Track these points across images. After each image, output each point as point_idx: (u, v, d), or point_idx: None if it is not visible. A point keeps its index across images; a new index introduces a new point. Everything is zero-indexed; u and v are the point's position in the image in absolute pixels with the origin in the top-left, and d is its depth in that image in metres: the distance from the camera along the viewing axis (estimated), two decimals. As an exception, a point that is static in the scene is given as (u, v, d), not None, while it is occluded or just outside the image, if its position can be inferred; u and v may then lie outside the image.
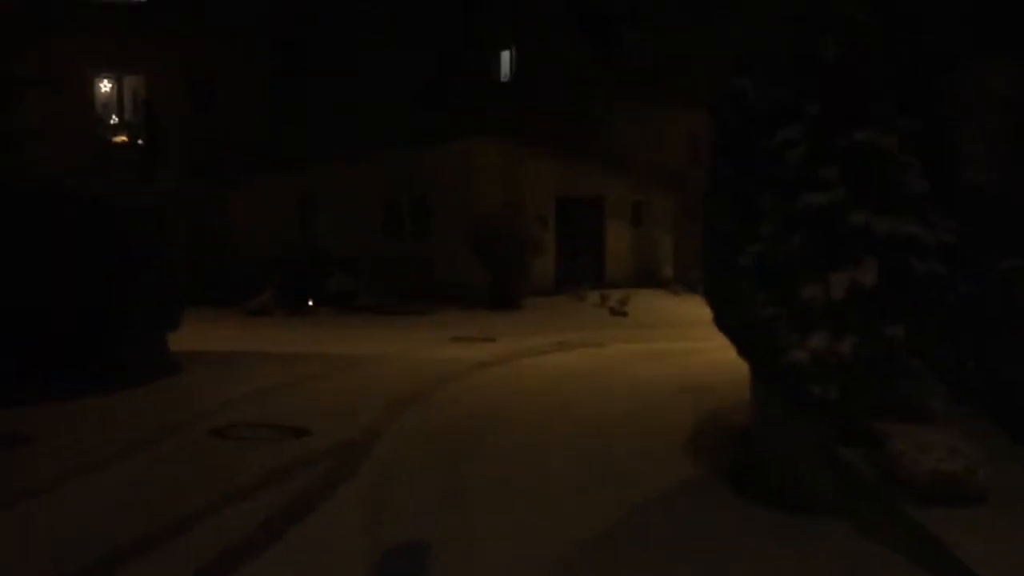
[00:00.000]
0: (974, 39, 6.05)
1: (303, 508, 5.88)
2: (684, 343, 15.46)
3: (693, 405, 9.64)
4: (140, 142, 23.20)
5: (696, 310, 21.18)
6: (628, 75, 26.75)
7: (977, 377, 5.16)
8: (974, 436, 4.34)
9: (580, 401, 9.84)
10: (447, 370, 11.55)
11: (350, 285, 19.19)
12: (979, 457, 4.33)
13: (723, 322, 7.77)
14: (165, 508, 5.84)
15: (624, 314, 18.95)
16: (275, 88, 23.86)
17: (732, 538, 5.35)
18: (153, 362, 10.57)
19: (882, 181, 5.10)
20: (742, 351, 6.27)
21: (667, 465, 6.97)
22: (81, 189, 10.07)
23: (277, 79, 23.88)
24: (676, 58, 27.63)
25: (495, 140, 20.78)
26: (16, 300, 9.08)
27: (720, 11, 29.14)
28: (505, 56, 26.71)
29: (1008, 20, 6.15)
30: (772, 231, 5.41)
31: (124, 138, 23.38)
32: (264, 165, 22.57)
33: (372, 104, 22.35)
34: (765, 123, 5.65)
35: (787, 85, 5.51)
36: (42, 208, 9.52)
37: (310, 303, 18.17)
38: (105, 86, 23.92)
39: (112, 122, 23.83)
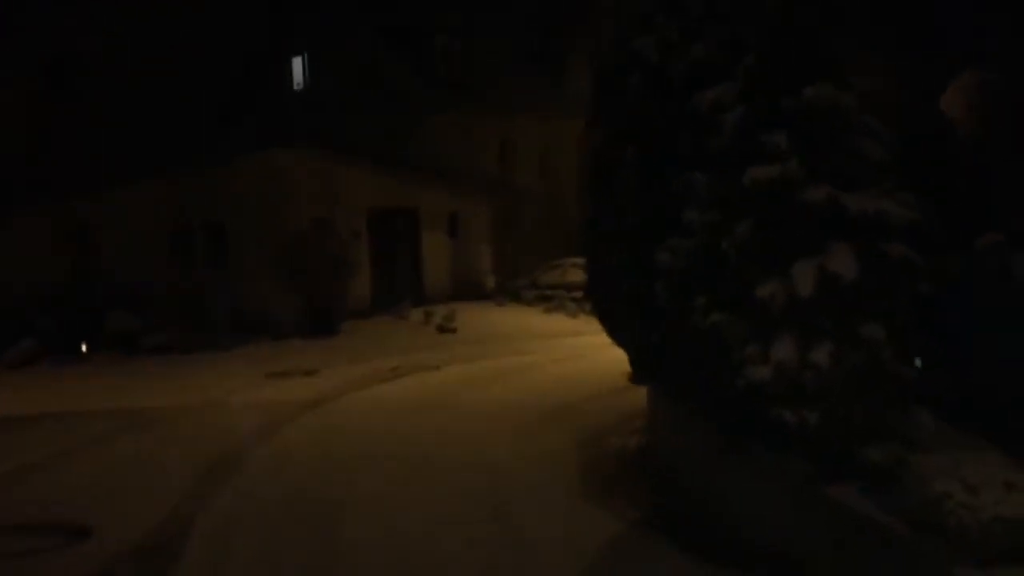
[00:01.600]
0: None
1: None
2: (521, 357, 14.38)
3: (565, 433, 8.45)
4: None
5: (523, 320, 20.53)
6: (438, 83, 25.60)
7: (945, 382, 4.28)
8: (1008, 462, 3.40)
9: (436, 441, 8.33)
10: (267, 419, 9.63)
11: (131, 323, 16.43)
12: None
13: (628, 341, 6.63)
14: None
15: (452, 331, 17.63)
16: (41, 110, 20.35)
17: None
18: None
19: (838, 148, 4.10)
20: (660, 374, 5.10)
21: (577, 519, 5.59)
22: None
23: (43, 101, 20.38)
24: (487, 66, 26.92)
25: (301, 150, 18.77)
26: None
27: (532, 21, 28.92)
28: (297, 63, 24.71)
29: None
30: (707, 219, 4.27)
31: None
32: (26, 195, 19.10)
33: (158, 120, 19.60)
34: (682, 87, 4.51)
35: (709, 38, 4.41)
36: None
37: (83, 348, 15.27)
38: None
39: None
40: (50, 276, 18.71)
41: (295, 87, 25.35)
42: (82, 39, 20.28)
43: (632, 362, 6.72)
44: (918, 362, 4.32)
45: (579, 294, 21.78)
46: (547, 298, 21.70)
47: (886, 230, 3.99)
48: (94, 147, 18.76)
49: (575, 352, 14.92)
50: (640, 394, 10.56)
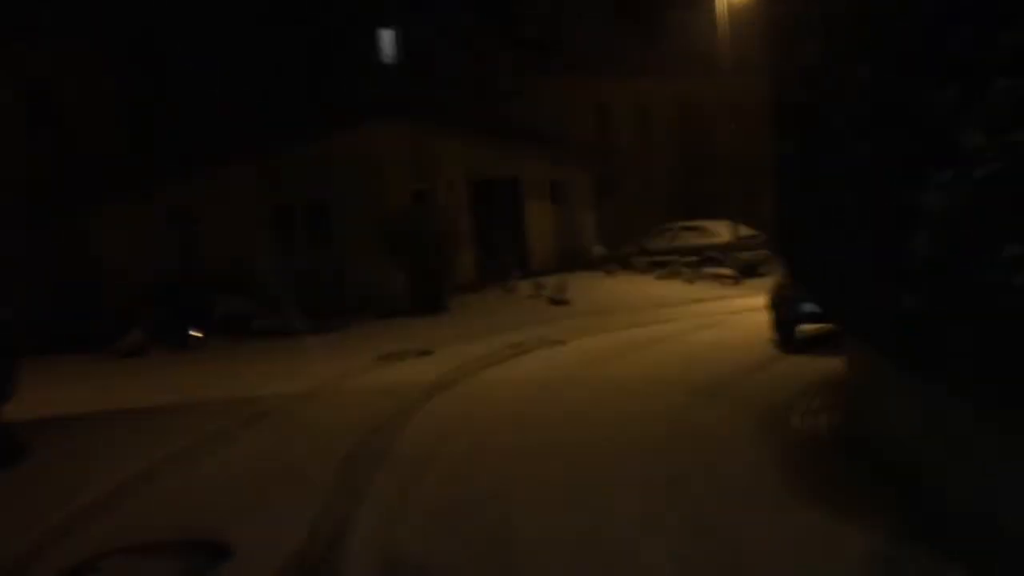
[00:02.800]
0: None
1: None
2: (647, 328, 13.31)
3: (731, 411, 7.43)
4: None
5: (638, 289, 19.39)
6: (530, 46, 24.54)
7: None
8: None
9: (589, 427, 7.42)
10: (393, 403, 8.90)
11: (243, 307, 16.12)
12: None
13: (850, 305, 5.34)
14: None
15: (566, 302, 16.70)
16: (132, 99, 20.26)
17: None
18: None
19: None
20: (916, 348, 3.98)
21: (808, 531, 4.48)
22: None
23: (133, 89, 20.28)
24: (577, 26, 25.65)
25: (399, 123, 18.06)
26: None
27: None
28: (387, 35, 24.07)
29: None
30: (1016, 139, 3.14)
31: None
32: (128, 182, 19.04)
33: (246, 101, 19.25)
34: None
35: None
36: None
37: (195, 334, 15.00)
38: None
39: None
40: (158, 263, 18.66)
41: (384, 60, 24.75)
42: (161, 25, 20.03)
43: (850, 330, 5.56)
44: None
45: (693, 259, 20.56)
46: (659, 264, 20.52)
47: None
48: (189, 132, 18.52)
49: (705, 321, 13.78)
50: (796, 365, 9.50)
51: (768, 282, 19.20)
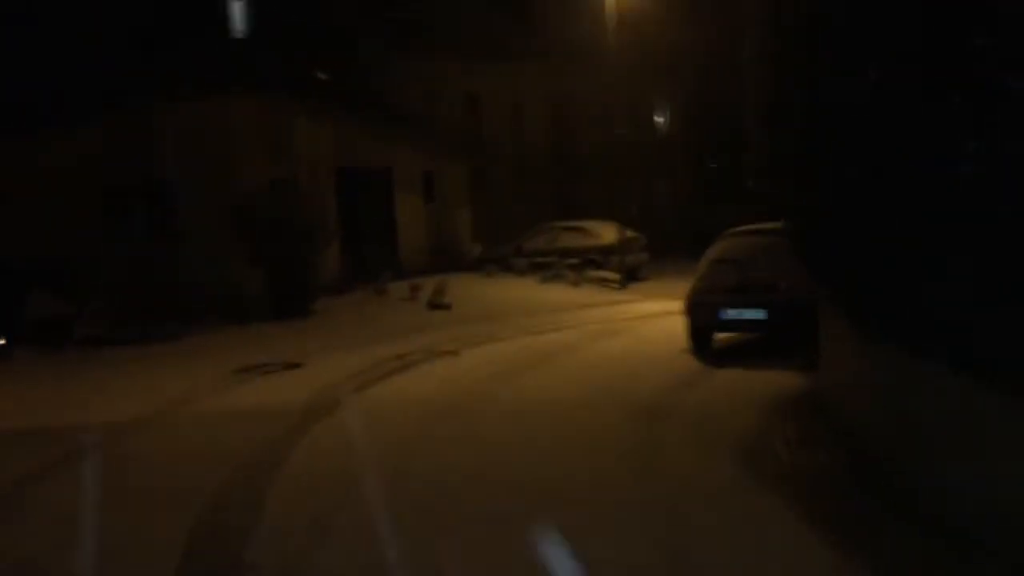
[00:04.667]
0: None
1: None
2: (544, 336, 11.96)
3: (692, 447, 6.09)
4: None
5: (522, 292, 17.88)
6: (392, 23, 22.69)
7: None
8: None
9: (527, 454, 5.88)
10: (256, 438, 7.00)
11: (61, 308, 13.42)
12: None
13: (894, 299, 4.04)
14: None
15: (447, 307, 15.08)
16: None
17: None
18: None
19: None
20: None
21: None
22: None
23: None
24: (451, 8, 24.02)
25: (254, 95, 15.83)
26: None
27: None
28: (237, 5, 21.66)
29: None
30: None
31: None
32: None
33: (74, 58, 16.37)
34: None
35: None
36: None
37: (0, 341, 12.24)
38: None
39: None
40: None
41: (234, 34, 22.30)
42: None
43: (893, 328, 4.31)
44: None
45: (575, 261, 19.48)
46: (540, 266, 19.27)
47: None
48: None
49: (603, 328, 12.57)
50: (731, 380, 8.35)
51: (650, 287, 18.62)
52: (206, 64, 16.59)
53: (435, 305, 15.09)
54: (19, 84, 15.93)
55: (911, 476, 4.48)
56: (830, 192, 4.49)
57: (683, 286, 17.18)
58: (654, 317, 13.51)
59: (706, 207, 29.67)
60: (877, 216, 3.95)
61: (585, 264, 19.18)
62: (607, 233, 19.98)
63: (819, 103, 4.33)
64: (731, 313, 9.74)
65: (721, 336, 10.45)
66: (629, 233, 19.39)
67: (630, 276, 18.71)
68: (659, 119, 32.19)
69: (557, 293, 17.05)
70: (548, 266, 18.93)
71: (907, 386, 4.42)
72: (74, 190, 15.76)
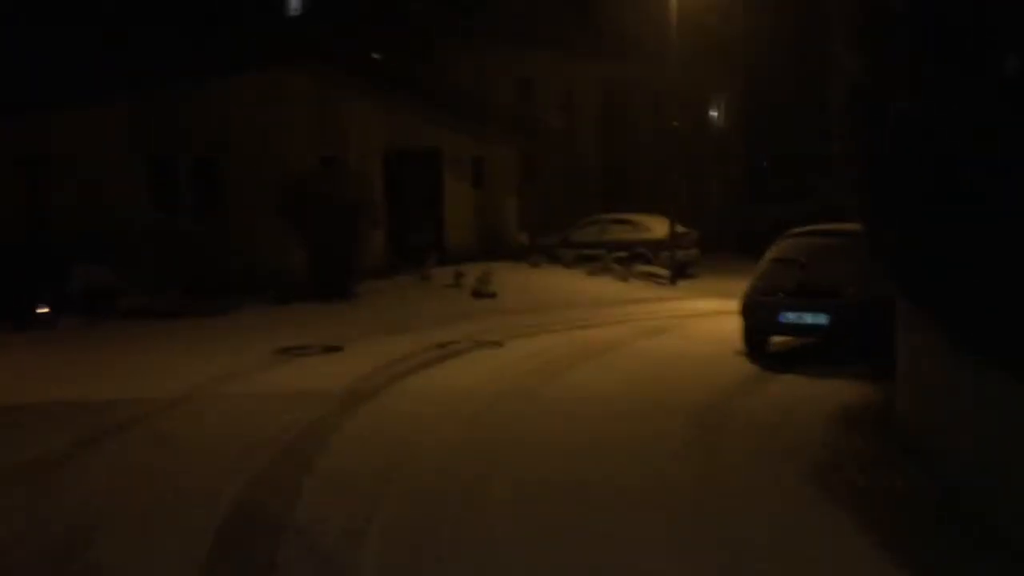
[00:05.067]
0: None
1: None
2: (593, 331, 11.55)
3: (767, 461, 5.69)
4: None
5: (569, 284, 17.46)
6: (450, 5, 22.36)
7: None
8: None
9: (584, 452, 5.54)
10: (296, 422, 6.77)
11: (106, 279, 13.39)
12: None
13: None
14: None
15: (491, 295, 14.77)
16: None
17: None
18: None
19: None
20: None
21: None
22: None
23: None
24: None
25: (310, 69, 15.60)
26: None
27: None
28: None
29: None
30: None
31: None
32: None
33: (123, 28, 16.35)
34: None
35: None
36: None
37: (42, 311, 12.21)
38: None
39: None
40: (3, 217, 15.66)
41: (290, 12, 22.21)
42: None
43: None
44: None
45: (623, 254, 19.01)
46: (588, 258, 18.81)
47: None
48: (49, 59, 15.53)
49: (652, 325, 12.14)
50: (792, 386, 7.85)
51: (700, 285, 18.06)
52: (260, 39, 16.45)
53: (480, 293, 14.78)
54: (75, 58, 15.96)
55: (998, 511, 4.04)
56: (941, 191, 4.02)
57: (735, 285, 16.70)
58: (705, 316, 13.06)
59: (757, 205, 28.95)
60: (991, 221, 3.50)
61: (634, 258, 18.72)
62: (657, 227, 19.48)
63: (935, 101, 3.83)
64: (791, 316, 9.27)
65: (777, 340, 10.00)
66: (680, 228, 18.86)
67: (679, 272, 18.20)
68: (713, 113, 31.46)
69: (604, 286, 16.63)
70: (596, 259, 18.49)
71: (1004, 407, 3.98)
72: (119, 165, 15.73)
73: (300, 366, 9.33)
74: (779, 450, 5.78)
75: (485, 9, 22.72)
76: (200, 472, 5.61)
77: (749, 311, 9.70)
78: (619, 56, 25.84)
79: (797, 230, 10.35)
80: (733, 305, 13.53)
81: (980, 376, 4.15)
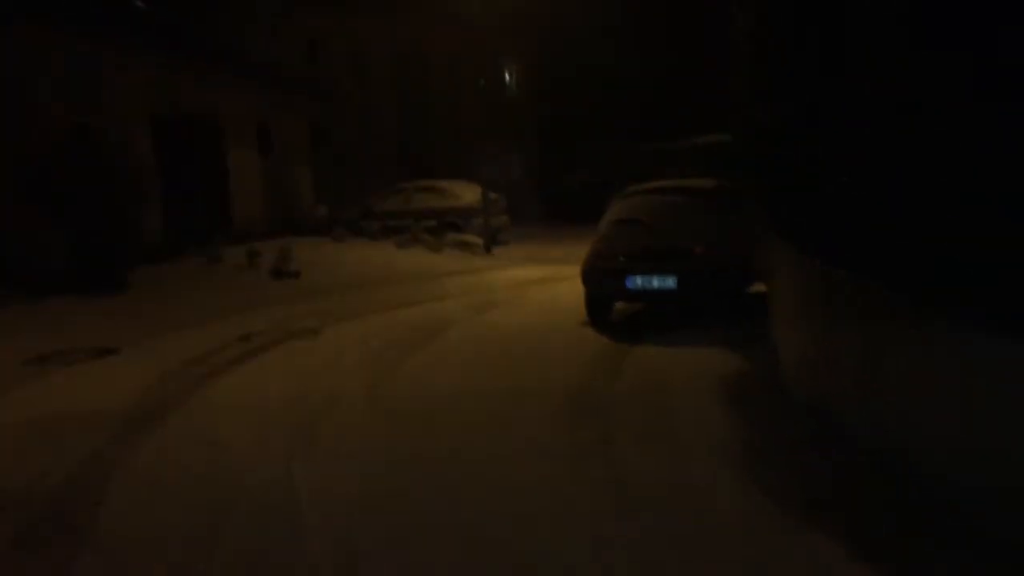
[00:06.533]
0: None
1: None
2: (417, 308, 10.34)
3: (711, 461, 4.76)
4: None
5: (378, 258, 15.83)
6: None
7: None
8: None
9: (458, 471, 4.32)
10: (66, 456, 5.03)
11: None
12: None
13: None
14: None
15: (295, 275, 13.09)
16: None
17: None
18: None
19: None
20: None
21: None
22: None
23: None
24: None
25: (51, 24, 12.91)
26: None
27: None
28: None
29: None
30: None
31: None
32: None
33: None
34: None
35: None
36: None
37: None
38: None
39: None
40: None
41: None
42: None
43: None
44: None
45: (432, 223, 17.86)
46: (394, 230, 17.49)
47: None
48: None
49: (482, 298, 11.13)
50: (656, 359, 7.08)
51: (515, 252, 17.30)
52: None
53: (280, 273, 13.06)
54: None
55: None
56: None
57: (551, 250, 16.29)
58: (532, 284, 12.25)
59: (557, 171, 28.78)
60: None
61: (444, 227, 17.65)
62: (466, 194, 18.50)
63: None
64: (638, 281, 8.57)
65: (619, 307, 9.36)
66: (491, 194, 18.00)
67: (492, 241, 17.37)
68: (508, 78, 30.90)
69: (418, 259, 15.41)
70: (404, 229, 17.22)
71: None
72: None
73: (64, 378, 7.35)
74: (681, 436, 4.92)
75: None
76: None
77: (592, 278, 8.90)
78: (415, 17, 24.49)
79: (636, 188, 9.69)
80: (557, 272, 13.00)
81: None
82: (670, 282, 8.40)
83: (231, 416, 5.96)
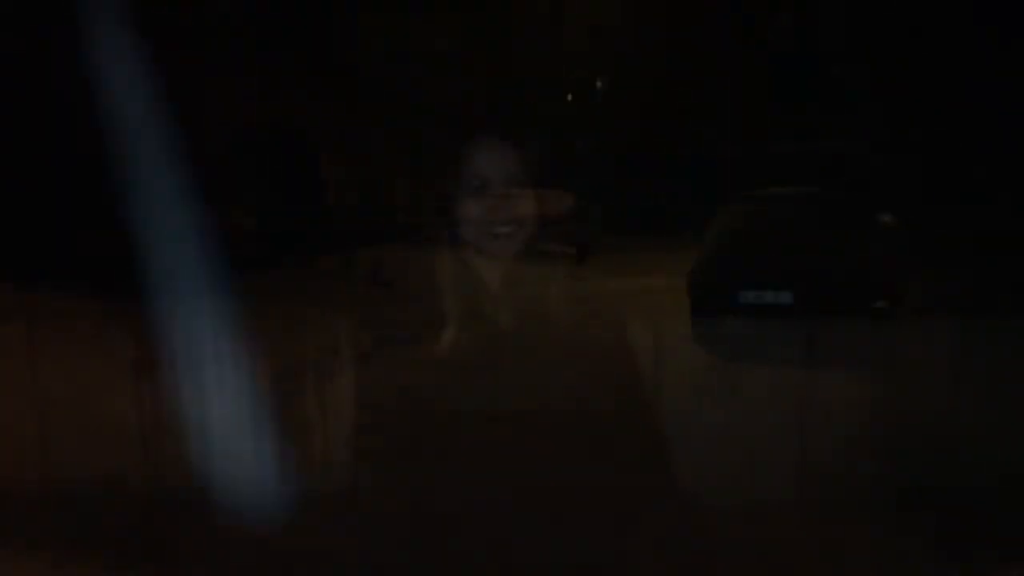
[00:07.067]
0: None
1: None
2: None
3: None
4: None
5: (498, 274, 15.22)
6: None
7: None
8: None
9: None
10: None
11: None
12: None
13: None
14: None
15: (387, 284, 13.11)
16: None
17: None
18: None
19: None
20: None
21: None
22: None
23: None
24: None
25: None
26: None
27: None
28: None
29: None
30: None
31: None
32: None
33: None
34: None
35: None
36: None
37: None
38: None
39: None
40: None
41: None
42: None
43: None
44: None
45: (519, 229, 17.47)
46: (497, 238, 16.99)
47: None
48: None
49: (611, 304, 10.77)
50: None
51: (610, 261, 16.66)
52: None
53: (376, 278, 13.04)
54: None
55: None
56: None
57: (640, 260, 15.50)
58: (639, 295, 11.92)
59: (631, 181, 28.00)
60: None
61: (541, 234, 17.32)
62: (560, 201, 18.22)
63: None
64: (750, 296, 8.27)
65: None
66: (583, 203, 17.75)
67: (585, 251, 17.11)
68: (599, 84, 30.69)
69: (550, 272, 15.13)
70: (500, 237, 17.01)
71: None
72: None
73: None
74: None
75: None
76: None
77: (698, 292, 8.64)
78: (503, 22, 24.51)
79: (745, 195, 9.37)
80: (660, 282, 12.14)
81: None
82: (785, 296, 8.08)
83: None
